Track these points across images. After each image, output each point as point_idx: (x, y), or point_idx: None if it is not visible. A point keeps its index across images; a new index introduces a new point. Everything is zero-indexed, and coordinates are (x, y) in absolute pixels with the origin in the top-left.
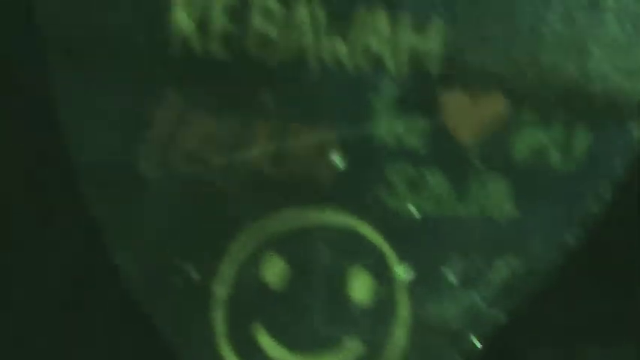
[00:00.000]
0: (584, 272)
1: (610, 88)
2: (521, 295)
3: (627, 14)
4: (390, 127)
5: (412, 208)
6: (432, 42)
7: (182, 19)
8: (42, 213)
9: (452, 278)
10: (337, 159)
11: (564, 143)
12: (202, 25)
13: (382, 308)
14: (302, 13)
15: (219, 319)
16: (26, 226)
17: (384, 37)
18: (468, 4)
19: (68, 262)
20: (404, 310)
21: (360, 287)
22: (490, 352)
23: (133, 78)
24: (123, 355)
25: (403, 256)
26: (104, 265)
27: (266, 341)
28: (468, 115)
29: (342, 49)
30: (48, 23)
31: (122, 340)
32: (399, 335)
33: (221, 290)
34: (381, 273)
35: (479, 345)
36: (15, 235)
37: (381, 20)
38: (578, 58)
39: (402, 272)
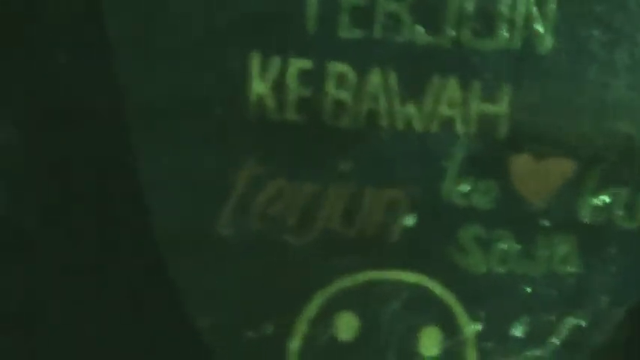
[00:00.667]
0: None
1: None
2: (585, 352)
3: None
4: (459, 188)
5: (482, 267)
6: (501, 107)
7: (259, 86)
8: (121, 277)
9: (519, 334)
10: (408, 219)
11: (628, 203)
12: (278, 91)
13: None
14: (375, 79)
15: None
16: (108, 293)
17: (455, 103)
18: (536, 71)
19: (146, 321)
20: None
21: (430, 343)
22: None
23: (214, 144)
24: None
25: (472, 314)
26: (182, 324)
27: None
28: (535, 176)
29: (413, 114)
30: (132, 88)
31: None
32: None
33: (294, 345)
34: (451, 329)
35: None
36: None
37: (453, 87)
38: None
39: (471, 329)
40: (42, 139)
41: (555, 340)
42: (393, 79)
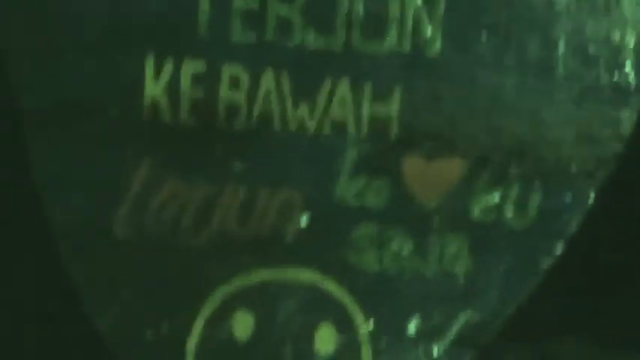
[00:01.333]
0: (534, 323)
1: (562, 153)
2: (476, 347)
3: (576, 83)
4: (352, 188)
5: (375, 266)
6: (392, 108)
7: (152, 89)
8: (19, 276)
9: (412, 331)
10: (302, 219)
11: (518, 202)
12: (171, 93)
13: None
14: (268, 82)
15: None
16: (5, 293)
17: (346, 105)
18: (426, 73)
19: (44, 318)
20: None
21: (325, 341)
22: None
23: (109, 146)
24: None
25: (366, 312)
26: (80, 322)
27: None
28: (426, 176)
29: (306, 115)
30: (25, 89)
31: None
32: None
33: (191, 344)
34: (346, 327)
35: None
36: None
37: (345, 89)
38: (532, 123)
39: (365, 327)
40: None
41: (448, 337)
42: (285, 81)
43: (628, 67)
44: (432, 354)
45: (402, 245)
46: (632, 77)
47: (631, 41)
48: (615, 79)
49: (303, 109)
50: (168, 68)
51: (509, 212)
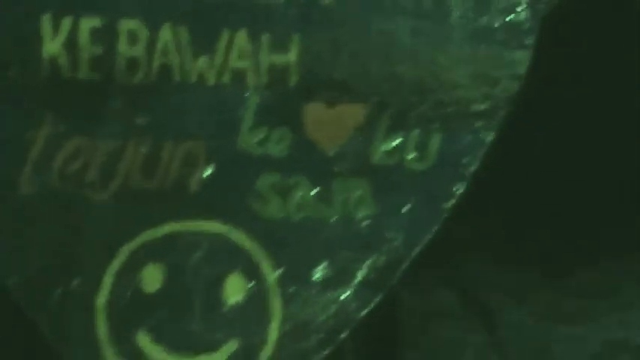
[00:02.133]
0: (439, 265)
1: (460, 95)
2: (384, 289)
3: (471, 25)
4: (255, 138)
5: (280, 214)
6: (290, 57)
7: (51, 46)
8: None
9: (320, 277)
10: (206, 170)
11: (419, 145)
12: (70, 50)
13: (255, 309)
14: (166, 35)
15: (100, 327)
16: None
17: (245, 55)
18: (322, 21)
19: None
20: (276, 309)
21: (234, 289)
22: (358, 346)
23: (10, 105)
24: None
25: (274, 259)
26: None
27: (147, 345)
28: (327, 123)
29: (205, 67)
30: None
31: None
32: (272, 333)
33: (101, 299)
34: (254, 276)
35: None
36: None
37: (243, 40)
38: (429, 67)
39: (274, 275)
40: None
41: (355, 281)
42: (184, 33)
43: (521, 7)
44: (339, 298)
45: (305, 192)
46: (524, 17)
47: None
48: (508, 19)
49: (203, 61)
50: (65, 25)
51: (410, 155)
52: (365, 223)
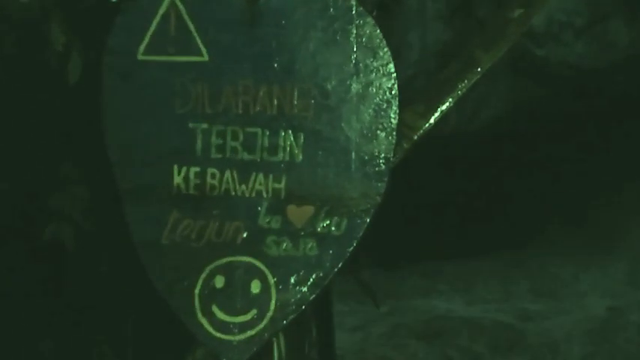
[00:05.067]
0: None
1: (355, 202)
2: (321, 287)
3: (361, 170)
4: (266, 219)
5: (276, 253)
6: (282, 184)
7: (177, 179)
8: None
9: (294, 281)
10: (244, 233)
11: (337, 225)
12: (186, 182)
13: (264, 295)
14: (227, 174)
15: (195, 304)
16: None
17: (261, 184)
18: (297, 167)
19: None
20: (273, 296)
21: (255, 286)
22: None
23: (159, 204)
24: None
25: (273, 273)
26: None
27: (217, 311)
28: (297, 214)
29: (244, 189)
30: None
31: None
32: (272, 306)
33: (196, 291)
34: (263, 280)
35: None
36: None
37: (260, 179)
38: (341, 191)
39: (273, 280)
40: None
41: (309, 283)
42: (235, 175)
43: (382, 161)
44: (302, 291)
45: (287, 244)
46: (384, 168)
47: None
48: (380, 168)
49: (243, 187)
50: (183, 169)
51: (333, 228)
52: (313, 257)
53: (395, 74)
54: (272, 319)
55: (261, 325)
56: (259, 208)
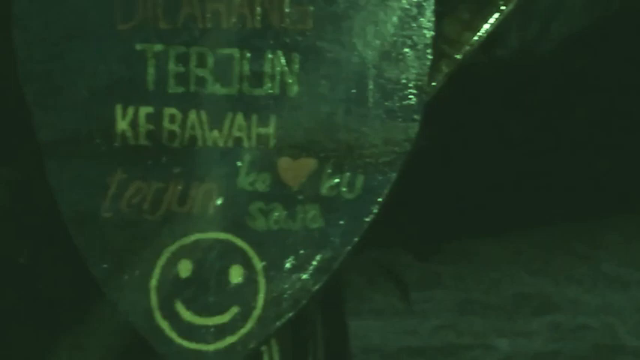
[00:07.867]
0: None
1: (374, 151)
2: (332, 273)
3: (380, 109)
4: (248, 179)
5: (264, 227)
6: (270, 129)
7: (121, 124)
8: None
9: (288, 266)
10: (218, 200)
11: (349, 183)
12: (134, 127)
13: (249, 286)
14: (193, 116)
15: (152, 299)
16: None
17: (242, 128)
18: (290, 106)
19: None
20: (261, 287)
21: (235, 275)
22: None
23: (96, 160)
24: None
25: (260, 255)
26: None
27: (181, 310)
28: (292, 170)
29: (217, 136)
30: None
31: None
32: (259, 301)
33: (153, 282)
34: (248, 266)
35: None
36: None
37: (240, 119)
38: (355, 135)
39: (260, 265)
40: None
41: (311, 268)
42: (204, 116)
43: (412, 95)
44: (301, 278)
45: (280, 213)
46: (414, 102)
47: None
48: (405, 103)
49: (215, 133)
50: (130, 112)
51: (344, 189)
52: (317, 231)
53: None
54: (260, 319)
55: (246, 329)
56: (239, 164)
